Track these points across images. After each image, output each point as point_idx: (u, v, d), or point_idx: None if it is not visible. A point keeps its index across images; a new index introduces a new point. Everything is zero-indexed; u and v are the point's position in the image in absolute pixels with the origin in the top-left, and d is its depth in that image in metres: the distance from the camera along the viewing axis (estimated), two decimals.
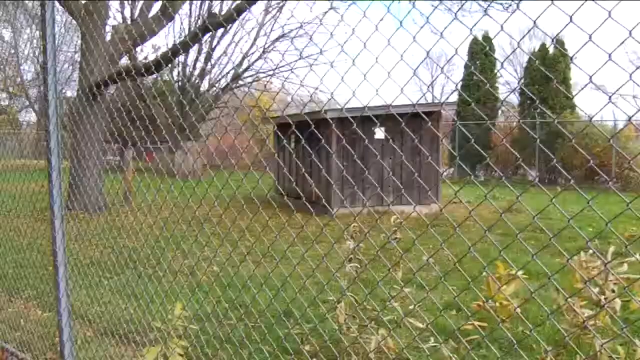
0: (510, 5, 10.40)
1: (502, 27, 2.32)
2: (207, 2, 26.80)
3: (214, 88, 31.11)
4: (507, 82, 40.42)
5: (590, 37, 1.92)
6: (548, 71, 25.32)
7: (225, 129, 3.61)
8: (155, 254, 4.42)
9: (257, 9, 28.90)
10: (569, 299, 3.57)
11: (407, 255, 2.96)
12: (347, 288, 2.98)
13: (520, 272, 3.75)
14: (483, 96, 27.04)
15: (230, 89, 30.00)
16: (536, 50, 28.18)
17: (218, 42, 30.15)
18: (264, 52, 30.62)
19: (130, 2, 23.60)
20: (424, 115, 2.74)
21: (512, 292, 3.93)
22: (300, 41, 28.52)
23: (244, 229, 3.39)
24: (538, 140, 5.58)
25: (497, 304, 4.20)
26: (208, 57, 30.42)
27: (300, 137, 3.06)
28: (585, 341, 4.21)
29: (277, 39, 30.36)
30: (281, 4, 26.82)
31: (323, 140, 3.20)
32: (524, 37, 2.79)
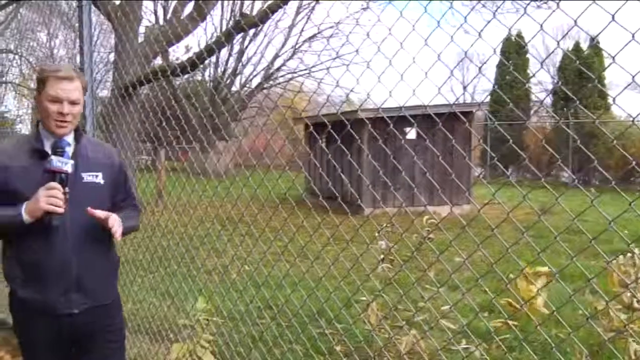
0: (545, 3, 10.24)
1: (541, 26, 2.29)
2: (238, 2, 26.94)
3: (245, 88, 31.27)
4: (540, 81, 39.87)
5: (633, 37, 1.89)
6: (583, 71, 24.93)
7: (261, 128, 3.63)
8: (189, 252, 4.46)
9: (289, 9, 28.94)
10: (609, 303, 3.51)
11: (437, 256, 2.96)
12: (382, 289, 2.97)
13: (545, 274, 3.70)
14: (516, 96, 26.77)
15: (262, 88, 30.11)
16: (570, 49, 27.80)
17: (250, 41, 30.27)
18: (294, 52, 30.69)
19: (162, 2, 23.84)
20: (461, 116, 2.73)
21: (537, 290, 3.87)
22: (329, 42, 28.49)
23: (280, 229, 3.40)
24: (578, 141, 5.57)
25: (529, 305, 4.14)
26: (240, 57, 30.57)
27: (336, 137, 3.06)
28: (620, 346, 4.14)
29: (308, 39, 30.40)
30: (312, 3, 26.84)
31: (359, 141, 3.20)
32: (564, 36, 2.76)
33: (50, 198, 2.56)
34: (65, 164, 2.64)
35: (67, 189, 2.65)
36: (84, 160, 2.84)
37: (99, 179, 2.86)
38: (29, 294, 2.77)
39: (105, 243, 2.93)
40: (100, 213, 2.71)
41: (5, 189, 2.68)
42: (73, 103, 2.73)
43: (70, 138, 2.83)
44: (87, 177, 2.82)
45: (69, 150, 2.77)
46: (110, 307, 3.00)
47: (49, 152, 2.70)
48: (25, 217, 2.60)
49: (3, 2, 8.32)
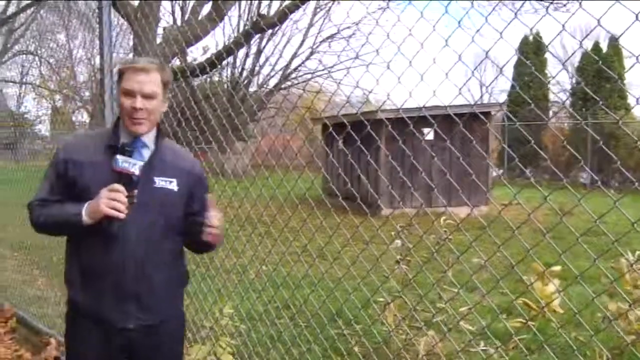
0: (563, 5, 10.16)
1: (563, 26, 2.28)
2: (255, 2, 26.95)
3: (263, 88, 31.31)
4: (558, 81, 39.51)
5: None
6: (602, 71, 24.67)
7: (280, 129, 3.63)
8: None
9: (308, 9, 28.89)
10: (628, 306, 3.47)
11: (455, 257, 2.96)
12: (401, 290, 2.97)
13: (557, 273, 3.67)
14: (534, 97, 26.59)
15: (279, 89, 30.15)
16: (589, 49, 27.54)
17: (268, 40, 30.27)
18: (312, 52, 30.69)
19: (180, 3, 23.95)
20: (481, 116, 2.72)
21: (552, 292, 3.84)
22: (348, 42, 28.43)
23: (299, 230, 3.40)
24: (601, 143, 5.49)
25: (542, 301, 4.11)
26: (257, 56, 30.60)
27: (355, 137, 3.06)
28: None
29: (326, 39, 30.34)
30: (330, 3, 26.80)
31: (377, 141, 3.19)
32: (586, 36, 2.75)
33: (111, 201, 2.33)
34: (132, 165, 2.42)
35: (135, 192, 2.43)
36: (159, 164, 2.59)
37: (173, 185, 2.60)
38: (84, 301, 2.58)
39: (172, 254, 2.68)
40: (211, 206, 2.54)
41: (75, 184, 2.52)
42: (148, 97, 2.49)
43: (149, 139, 2.61)
44: (160, 181, 2.57)
45: (146, 152, 2.57)
46: (170, 327, 2.74)
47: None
48: (85, 218, 2.41)
49: (26, 1, 8.40)
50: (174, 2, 23.94)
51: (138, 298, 2.54)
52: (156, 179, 2.55)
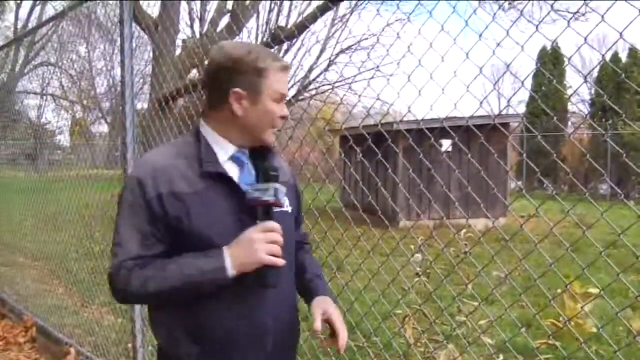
0: (582, 15, 10.12)
1: (585, 39, 2.27)
2: (273, 13, 27.06)
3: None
4: (578, 93, 39.31)
5: None
6: (622, 82, 24.46)
7: (301, 141, 3.65)
8: None
9: (324, 23, 28.94)
10: None
11: (473, 269, 2.95)
12: (422, 303, 2.96)
13: (596, 295, 3.65)
14: (552, 107, 26.43)
15: (297, 100, 30.21)
16: (607, 60, 27.35)
17: (285, 53, 30.35)
18: (330, 64, 30.71)
19: (199, 14, 24.11)
20: (501, 128, 2.72)
21: (587, 311, 3.83)
22: (360, 55, 28.39)
23: (319, 241, 3.41)
24: (624, 155, 5.37)
25: (572, 322, 4.08)
26: None
27: (376, 150, 3.06)
28: None
29: (341, 52, 30.36)
30: (348, 16, 26.83)
31: (393, 153, 3.19)
32: (608, 49, 2.75)
33: (270, 245, 1.72)
34: (269, 194, 1.77)
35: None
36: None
37: (287, 206, 1.96)
38: None
39: (295, 294, 2.09)
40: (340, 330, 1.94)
41: (180, 227, 1.77)
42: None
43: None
44: (286, 204, 1.96)
45: (248, 168, 1.92)
46: None
47: (232, 169, 1.87)
48: (232, 271, 1.71)
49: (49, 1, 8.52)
50: (192, 13, 24.11)
51: (274, 358, 1.92)
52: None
